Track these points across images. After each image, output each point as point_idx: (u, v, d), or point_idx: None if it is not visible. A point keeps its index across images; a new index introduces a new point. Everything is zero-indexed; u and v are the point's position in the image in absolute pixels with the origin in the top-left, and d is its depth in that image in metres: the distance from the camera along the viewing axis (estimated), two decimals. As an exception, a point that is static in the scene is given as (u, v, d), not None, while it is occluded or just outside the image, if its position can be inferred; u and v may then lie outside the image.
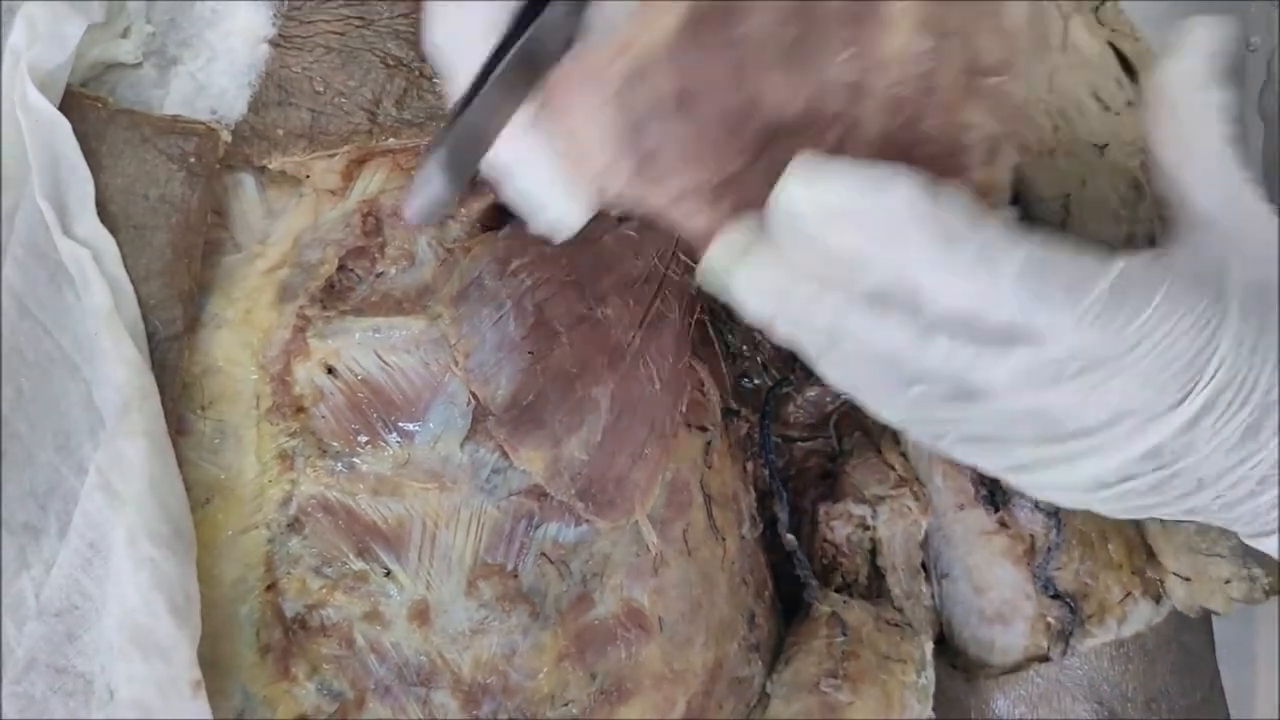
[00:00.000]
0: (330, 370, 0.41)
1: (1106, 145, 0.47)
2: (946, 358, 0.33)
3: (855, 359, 0.35)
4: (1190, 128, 0.37)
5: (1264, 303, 0.34)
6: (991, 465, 0.37)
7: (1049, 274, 0.32)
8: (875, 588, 0.53)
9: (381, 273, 0.43)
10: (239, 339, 0.41)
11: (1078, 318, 0.32)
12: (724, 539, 0.47)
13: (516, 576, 0.42)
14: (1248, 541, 0.38)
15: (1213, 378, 0.33)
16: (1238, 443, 0.34)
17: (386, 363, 0.41)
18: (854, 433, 0.55)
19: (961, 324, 0.33)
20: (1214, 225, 0.36)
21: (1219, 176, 0.36)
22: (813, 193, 0.33)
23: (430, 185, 0.33)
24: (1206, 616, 0.54)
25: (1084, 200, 0.48)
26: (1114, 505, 0.36)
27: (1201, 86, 0.36)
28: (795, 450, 0.55)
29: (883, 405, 0.36)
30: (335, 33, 0.45)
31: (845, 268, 0.33)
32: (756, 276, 0.35)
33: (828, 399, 0.54)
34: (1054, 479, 0.36)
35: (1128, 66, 0.49)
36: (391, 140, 0.44)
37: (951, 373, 0.34)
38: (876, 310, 0.33)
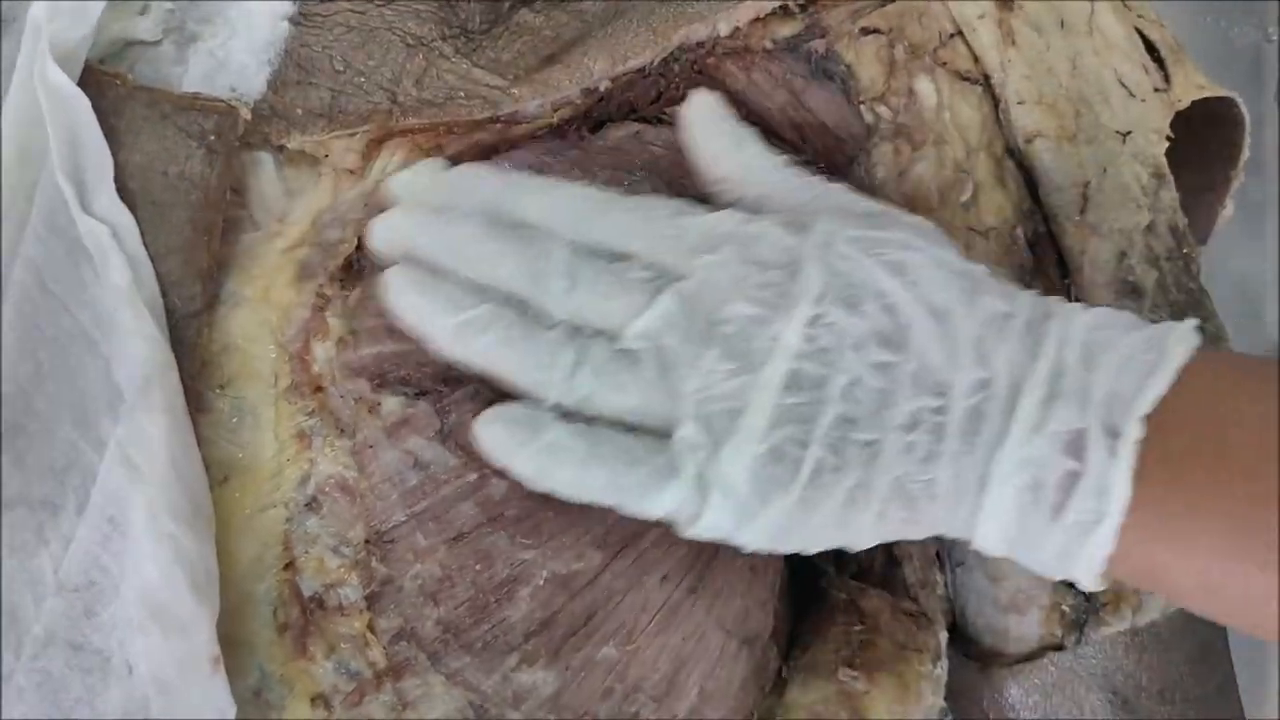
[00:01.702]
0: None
1: (1130, 133, 0.47)
2: None
3: None
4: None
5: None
6: None
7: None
8: (889, 575, 0.52)
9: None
10: (258, 317, 0.41)
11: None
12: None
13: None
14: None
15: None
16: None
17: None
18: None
19: None
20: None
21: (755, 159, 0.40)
22: None
23: None
24: (1221, 607, 0.54)
25: (1104, 188, 0.47)
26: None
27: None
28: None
29: None
30: (355, 11, 0.44)
31: None
32: None
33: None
34: None
35: (1154, 53, 0.48)
36: (411, 120, 0.44)
37: None
38: None
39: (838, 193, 0.39)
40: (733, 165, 0.40)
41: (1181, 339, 0.34)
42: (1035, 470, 0.32)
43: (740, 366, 0.33)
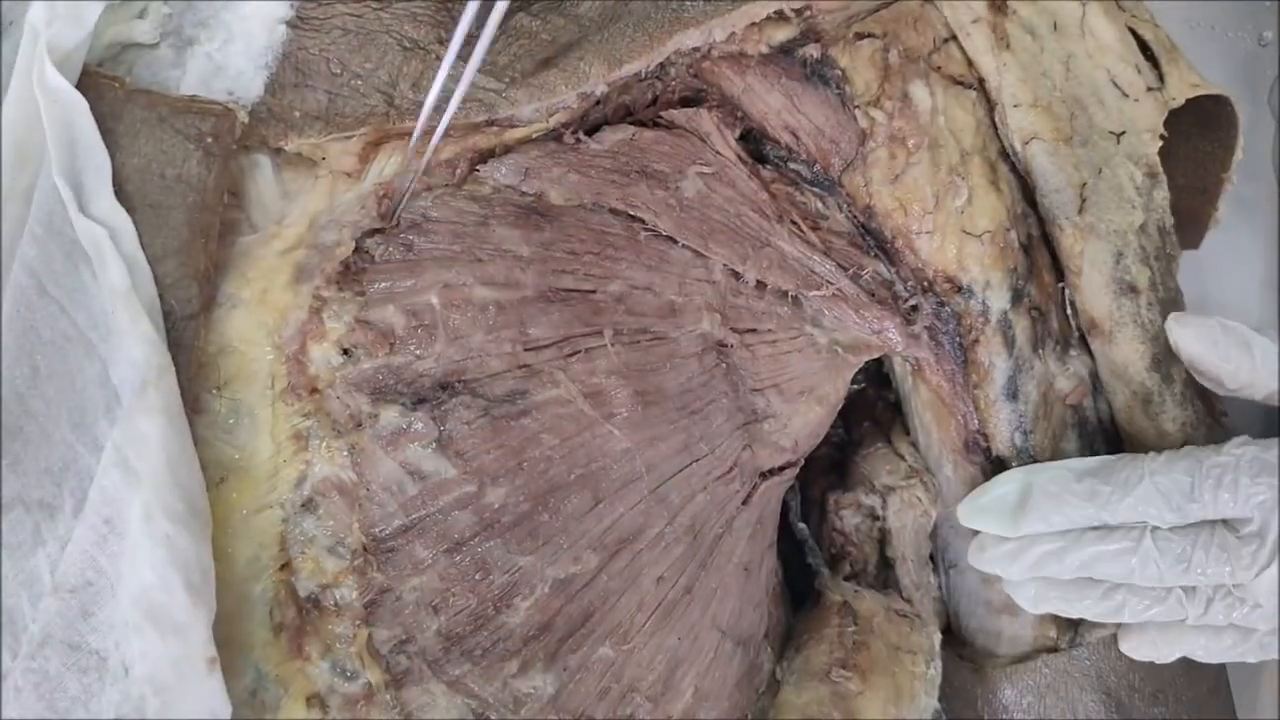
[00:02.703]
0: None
1: (1124, 133, 0.47)
2: None
3: None
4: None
5: None
6: None
7: None
8: (884, 577, 0.53)
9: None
10: (255, 319, 0.41)
11: None
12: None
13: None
14: None
15: None
16: None
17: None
18: (863, 422, 0.55)
19: None
20: None
21: None
22: None
23: None
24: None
25: (1100, 189, 0.48)
26: None
27: None
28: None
29: None
30: (352, 15, 0.45)
31: None
32: None
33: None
34: None
35: (1147, 53, 0.49)
36: (408, 122, 0.44)
37: None
38: None
39: None
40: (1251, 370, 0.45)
41: None
42: None
43: None
